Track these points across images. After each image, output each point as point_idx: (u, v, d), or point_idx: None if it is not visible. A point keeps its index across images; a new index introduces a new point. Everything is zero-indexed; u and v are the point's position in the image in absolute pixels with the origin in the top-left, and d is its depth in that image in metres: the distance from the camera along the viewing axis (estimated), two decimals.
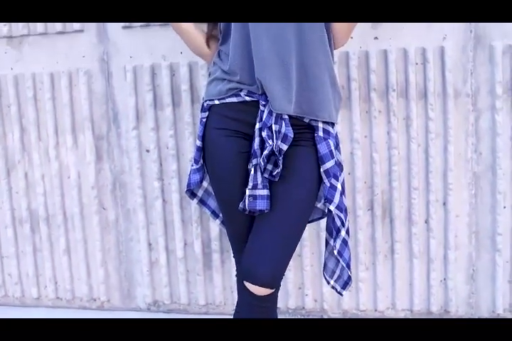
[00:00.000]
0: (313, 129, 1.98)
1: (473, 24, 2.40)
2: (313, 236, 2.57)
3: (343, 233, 1.99)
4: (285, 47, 1.89)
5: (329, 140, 1.96)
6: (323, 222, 2.46)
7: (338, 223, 1.97)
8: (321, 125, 1.97)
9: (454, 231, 2.53)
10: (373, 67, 2.44)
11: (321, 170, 1.96)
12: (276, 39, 1.89)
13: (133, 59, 2.54)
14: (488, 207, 2.51)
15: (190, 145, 2.55)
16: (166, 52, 2.52)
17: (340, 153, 2.03)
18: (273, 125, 1.89)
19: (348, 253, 2.01)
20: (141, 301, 2.80)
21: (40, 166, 2.65)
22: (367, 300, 2.61)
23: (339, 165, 2.00)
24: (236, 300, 1.96)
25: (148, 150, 2.58)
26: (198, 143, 2.05)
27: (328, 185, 1.95)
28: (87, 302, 2.85)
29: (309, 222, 2.13)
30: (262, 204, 1.91)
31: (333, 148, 1.96)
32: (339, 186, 1.96)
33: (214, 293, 2.71)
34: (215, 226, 2.59)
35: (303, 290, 2.65)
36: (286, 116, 1.91)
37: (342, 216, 1.97)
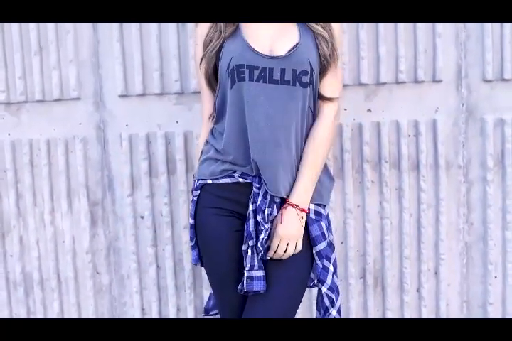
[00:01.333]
0: None
1: (464, 98, 2.44)
2: (305, 306, 2.58)
3: (333, 313, 2.00)
4: (285, 132, 1.91)
5: (321, 222, 1.99)
6: (315, 291, 2.47)
7: (327, 303, 1.99)
8: (312, 207, 1.99)
9: (445, 300, 2.55)
10: (366, 139, 2.47)
11: (314, 251, 1.98)
12: (275, 123, 1.90)
13: (129, 127, 2.56)
14: (479, 276, 2.54)
15: (184, 212, 2.56)
16: (161, 121, 2.55)
17: (331, 232, 2.05)
18: (266, 208, 1.91)
19: None
20: None
21: (35, 231, 2.67)
22: None
23: (331, 245, 2.02)
24: None
25: (142, 217, 2.60)
26: (191, 221, 2.06)
27: (321, 266, 1.98)
28: None
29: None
30: (258, 285, 1.93)
31: (325, 229, 1.98)
32: (331, 267, 1.99)
33: None
34: (208, 292, 2.59)
35: None
36: (279, 199, 1.94)
37: (333, 296, 1.99)
